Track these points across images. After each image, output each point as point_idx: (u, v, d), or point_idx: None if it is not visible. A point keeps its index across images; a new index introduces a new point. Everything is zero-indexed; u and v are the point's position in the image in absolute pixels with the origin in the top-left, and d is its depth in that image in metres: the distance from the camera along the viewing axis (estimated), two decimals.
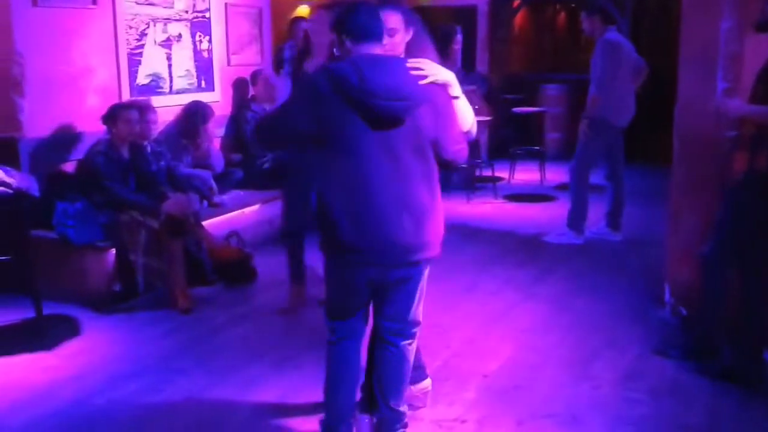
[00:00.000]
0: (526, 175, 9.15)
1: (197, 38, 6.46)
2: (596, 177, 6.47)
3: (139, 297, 4.79)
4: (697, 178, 4.28)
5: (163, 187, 5.16)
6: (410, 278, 2.82)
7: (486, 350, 4.11)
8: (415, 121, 2.68)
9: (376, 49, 2.74)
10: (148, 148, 5.19)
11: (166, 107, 5.96)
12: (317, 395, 3.13)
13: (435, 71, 2.75)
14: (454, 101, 2.82)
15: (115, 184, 4.84)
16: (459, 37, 6.71)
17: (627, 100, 6.15)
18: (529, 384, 3.70)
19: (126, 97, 5.65)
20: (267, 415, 3.26)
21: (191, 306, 4.72)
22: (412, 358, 3.01)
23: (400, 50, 2.94)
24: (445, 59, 6.58)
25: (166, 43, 6.11)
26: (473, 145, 8.51)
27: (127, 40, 5.71)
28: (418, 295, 2.89)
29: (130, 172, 4.98)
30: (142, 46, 5.85)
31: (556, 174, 8.80)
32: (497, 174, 8.63)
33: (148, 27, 5.89)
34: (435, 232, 2.80)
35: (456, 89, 2.82)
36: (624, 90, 6.07)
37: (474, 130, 2.97)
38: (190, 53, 6.38)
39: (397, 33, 2.91)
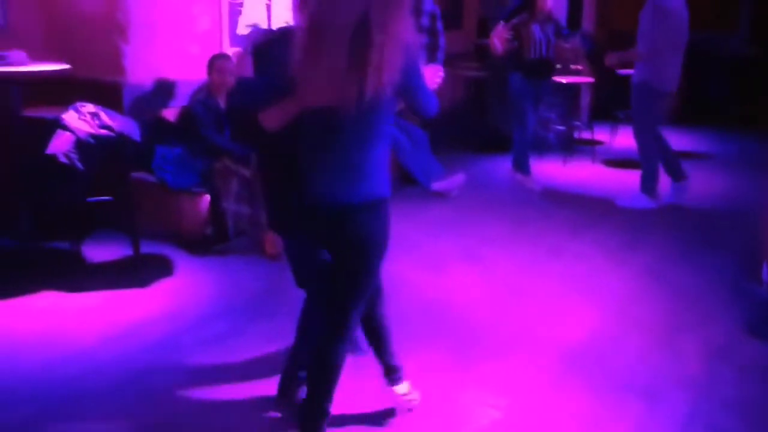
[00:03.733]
0: (628, 139, 8.79)
1: None
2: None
3: (229, 242, 4.93)
4: None
5: None
6: None
7: (566, 316, 4.03)
8: None
9: None
10: None
11: None
12: None
13: None
14: None
15: (210, 132, 4.96)
16: None
17: (672, 67, 5.92)
18: (610, 354, 3.61)
19: (226, 46, 5.74)
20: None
21: (279, 252, 4.82)
22: None
23: None
24: (531, 16, 6.39)
25: None
26: (572, 105, 8.27)
27: None
28: None
29: (225, 121, 5.08)
30: None
31: None
32: (597, 137, 8.37)
33: None
34: None
35: None
36: (670, 56, 5.85)
37: None
38: (288, 3, 6.38)
39: None
